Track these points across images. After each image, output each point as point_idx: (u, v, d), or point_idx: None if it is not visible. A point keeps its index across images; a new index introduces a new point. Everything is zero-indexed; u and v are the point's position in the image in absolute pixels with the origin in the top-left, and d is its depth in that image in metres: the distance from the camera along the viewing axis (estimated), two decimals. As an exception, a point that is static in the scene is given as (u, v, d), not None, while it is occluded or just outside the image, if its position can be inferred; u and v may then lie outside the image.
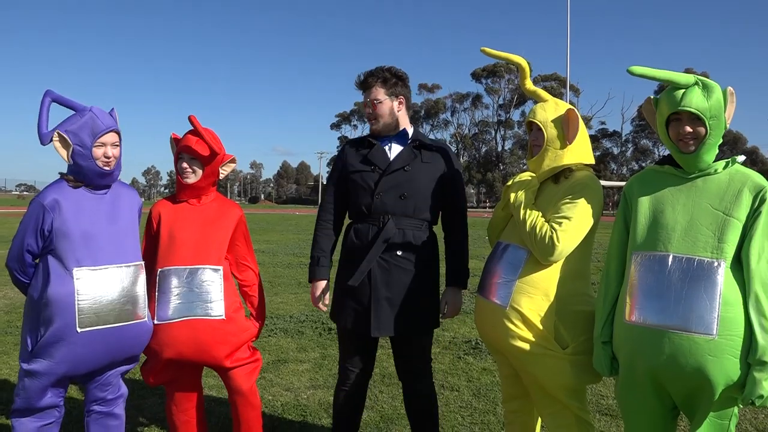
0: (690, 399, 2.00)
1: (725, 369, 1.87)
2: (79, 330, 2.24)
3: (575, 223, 2.19)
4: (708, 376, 1.88)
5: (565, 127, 2.31)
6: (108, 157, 2.36)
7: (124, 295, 2.36)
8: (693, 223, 1.98)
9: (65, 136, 2.29)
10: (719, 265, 1.91)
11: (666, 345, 1.93)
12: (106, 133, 2.35)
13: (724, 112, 1.97)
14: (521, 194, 2.35)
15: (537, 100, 2.44)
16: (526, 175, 2.42)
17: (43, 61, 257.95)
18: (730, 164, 2.02)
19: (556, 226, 2.19)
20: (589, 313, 2.27)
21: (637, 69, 2.02)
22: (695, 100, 1.96)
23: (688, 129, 1.99)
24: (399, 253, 2.58)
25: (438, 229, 2.75)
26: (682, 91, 1.99)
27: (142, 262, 2.48)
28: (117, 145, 2.40)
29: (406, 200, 2.60)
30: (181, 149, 2.62)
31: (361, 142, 2.77)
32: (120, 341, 2.37)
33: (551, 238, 2.18)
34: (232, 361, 2.60)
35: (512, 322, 2.23)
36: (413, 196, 2.61)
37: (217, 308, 2.56)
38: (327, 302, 2.81)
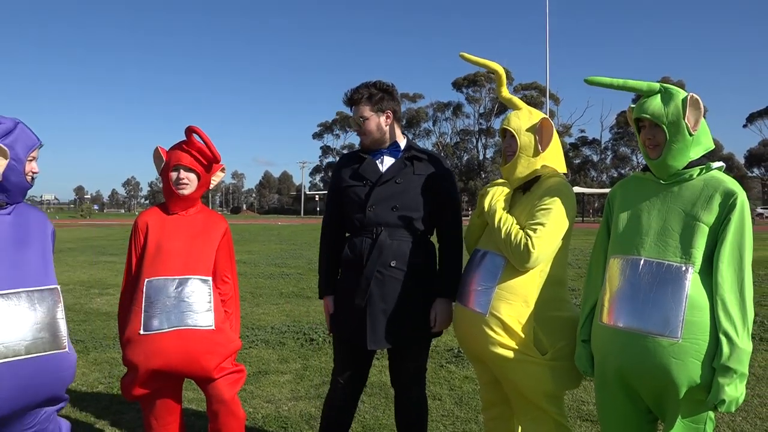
0: (659, 400, 2.03)
1: (688, 372, 1.90)
2: None
3: (549, 229, 2.22)
4: (672, 378, 1.92)
5: (539, 135, 2.34)
6: (35, 172, 2.23)
7: (38, 322, 2.08)
8: (665, 228, 2.02)
9: (5, 148, 2.10)
10: (687, 270, 1.94)
11: (634, 347, 1.98)
12: (37, 146, 2.22)
13: (683, 117, 2.00)
14: (495, 202, 2.37)
15: (512, 108, 2.47)
16: (499, 183, 2.44)
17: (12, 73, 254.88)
18: (705, 171, 2.05)
19: (530, 232, 2.21)
20: (566, 318, 2.30)
21: (593, 79, 2.12)
22: (651, 107, 2.02)
23: (648, 136, 2.06)
24: (393, 264, 2.58)
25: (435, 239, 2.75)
26: (644, 98, 2.06)
27: (56, 287, 2.21)
28: (36, 159, 2.26)
29: (399, 212, 2.60)
30: (177, 161, 2.61)
31: (353, 157, 2.78)
32: (36, 376, 2.06)
33: (526, 245, 2.20)
34: (219, 370, 2.57)
35: (492, 329, 2.24)
36: (405, 208, 2.61)
37: (207, 318, 2.55)
38: None
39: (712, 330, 1.90)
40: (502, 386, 2.45)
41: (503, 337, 2.23)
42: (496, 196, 2.39)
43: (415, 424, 2.78)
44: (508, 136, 2.39)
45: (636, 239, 2.06)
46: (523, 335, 2.22)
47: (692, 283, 1.93)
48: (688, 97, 2.01)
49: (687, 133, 2.01)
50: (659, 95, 2.04)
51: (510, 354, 2.22)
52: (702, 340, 1.90)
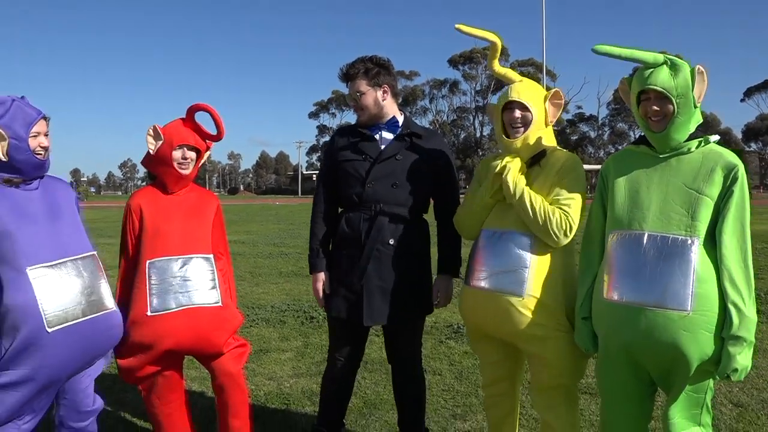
0: (666, 374, 2.04)
1: (700, 344, 1.91)
2: (49, 330, 2.10)
3: (578, 201, 2.25)
4: (683, 351, 1.92)
5: (550, 107, 2.32)
6: (44, 147, 2.23)
7: (87, 286, 2.24)
8: (666, 201, 2.01)
9: (2, 130, 2.11)
10: (693, 242, 1.94)
11: (641, 321, 1.97)
12: (38, 120, 2.20)
13: (692, 90, 1.99)
14: (518, 180, 2.29)
15: (508, 81, 2.39)
16: (509, 159, 2.33)
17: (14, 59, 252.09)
18: (703, 143, 2.05)
19: (566, 208, 2.21)
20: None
21: (602, 47, 2.04)
22: (661, 79, 1.98)
23: (655, 107, 2.01)
24: (390, 242, 2.58)
25: (429, 217, 2.74)
26: (650, 69, 2.01)
27: (95, 253, 2.36)
28: (47, 134, 2.26)
29: (398, 189, 2.59)
30: (183, 140, 2.58)
31: (351, 131, 2.73)
32: (94, 335, 2.26)
33: (567, 221, 2.19)
34: (227, 346, 2.59)
35: (530, 310, 2.21)
36: (405, 185, 2.60)
37: (213, 295, 2.56)
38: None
39: (720, 301, 1.92)
40: (514, 363, 2.49)
41: (542, 317, 2.21)
42: (515, 172, 2.29)
43: (414, 399, 2.82)
44: (515, 108, 2.30)
45: (636, 213, 2.05)
46: (558, 312, 2.23)
47: (699, 255, 1.93)
48: (696, 69, 2.00)
49: (693, 106, 2.00)
50: (665, 66, 2.00)
51: (550, 333, 2.22)
52: (711, 311, 1.91)
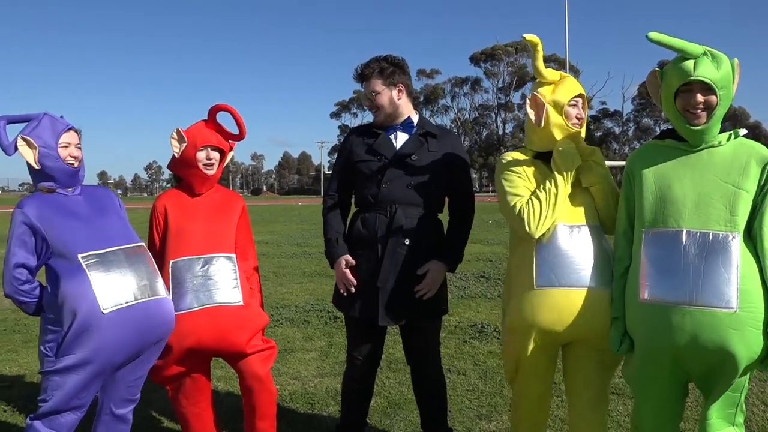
0: (710, 374, 1.99)
1: (747, 342, 1.86)
2: (104, 311, 2.20)
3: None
4: (731, 351, 1.87)
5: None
6: (74, 157, 2.37)
7: (137, 273, 2.35)
8: (703, 196, 1.95)
9: (29, 138, 2.29)
10: (734, 238, 1.90)
11: (687, 322, 1.90)
12: (67, 131, 2.35)
13: (733, 82, 1.96)
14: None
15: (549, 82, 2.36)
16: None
17: (39, 61, 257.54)
18: (733, 136, 2.01)
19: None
20: None
21: (655, 35, 1.97)
22: (708, 71, 1.93)
23: (700, 98, 1.95)
24: (406, 242, 2.57)
25: (443, 216, 2.73)
26: (692, 61, 1.95)
27: (143, 244, 2.48)
28: (80, 147, 2.41)
29: (413, 189, 2.58)
30: (206, 141, 2.62)
31: (366, 131, 2.73)
32: (148, 318, 2.34)
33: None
34: (251, 347, 2.60)
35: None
36: (420, 186, 2.59)
37: (235, 294, 2.58)
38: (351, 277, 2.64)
39: (765, 296, 1.88)
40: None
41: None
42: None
43: (434, 399, 2.80)
44: (580, 103, 2.35)
45: (671, 210, 1.99)
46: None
47: (740, 251, 1.89)
48: (735, 62, 1.96)
49: (731, 99, 1.97)
50: (706, 58, 1.95)
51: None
52: (757, 307, 1.87)
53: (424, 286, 2.57)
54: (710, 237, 1.91)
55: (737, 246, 1.89)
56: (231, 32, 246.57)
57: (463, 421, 3.34)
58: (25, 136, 2.30)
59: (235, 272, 2.62)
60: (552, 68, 2.40)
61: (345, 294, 2.68)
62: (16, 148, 2.30)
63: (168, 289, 2.50)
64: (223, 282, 2.57)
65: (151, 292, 2.36)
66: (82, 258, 2.24)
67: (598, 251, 2.22)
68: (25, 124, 2.36)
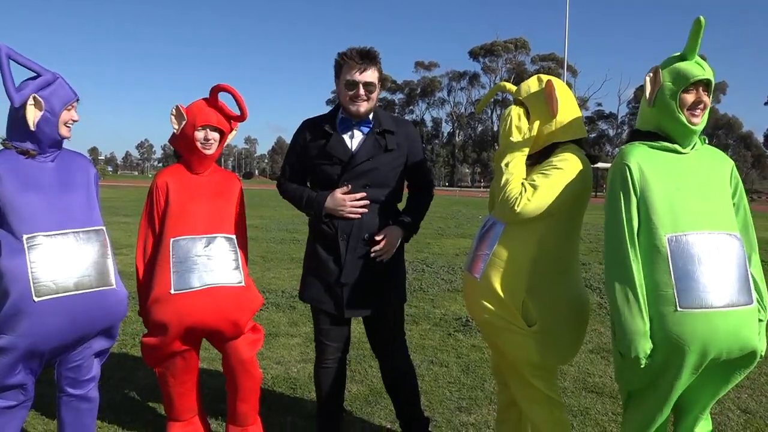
0: (722, 371, 2.08)
1: (761, 333, 1.99)
2: (35, 299, 2.11)
3: (543, 190, 2.13)
4: (753, 344, 1.98)
5: (548, 100, 2.24)
6: (75, 120, 2.30)
7: (87, 260, 2.24)
8: (707, 199, 2.01)
9: (42, 100, 2.17)
10: (738, 237, 2.01)
11: (731, 323, 1.93)
12: (73, 102, 2.30)
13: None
14: (515, 158, 2.26)
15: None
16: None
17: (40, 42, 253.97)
18: (704, 141, 2.12)
19: (527, 185, 2.16)
20: (563, 294, 2.21)
21: (704, 22, 1.95)
22: (710, 70, 2.01)
23: (705, 99, 2.01)
24: (366, 236, 2.58)
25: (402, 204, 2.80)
26: (695, 60, 2.00)
27: (102, 228, 2.36)
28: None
29: (371, 189, 2.58)
30: (206, 120, 2.58)
31: (319, 129, 2.62)
32: (86, 311, 2.23)
33: (519, 194, 2.14)
34: (245, 328, 2.62)
35: (482, 295, 2.24)
36: (377, 185, 2.59)
37: (237, 275, 2.59)
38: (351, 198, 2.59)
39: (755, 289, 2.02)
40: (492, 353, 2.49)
41: (491, 303, 2.22)
42: (525, 132, 2.25)
43: (404, 389, 2.81)
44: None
45: (683, 215, 1.96)
46: (510, 304, 2.19)
47: (743, 250, 2.01)
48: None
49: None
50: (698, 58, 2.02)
51: (496, 321, 2.22)
52: (756, 299, 2.01)
53: (380, 246, 2.57)
54: (724, 238, 1.98)
55: (741, 245, 1.99)
56: (226, 16, 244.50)
57: (443, 413, 3.37)
58: (38, 96, 2.17)
59: (236, 253, 2.62)
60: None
61: (309, 285, 2.71)
62: (23, 104, 2.15)
63: (167, 269, 2.48)
64: (225, 262, 2.57)
65: (96, 282, 2.25)
66: (27, 239, 2.13)
67: (485, 243, 2.31)
68: (22, 75, 2.22)
